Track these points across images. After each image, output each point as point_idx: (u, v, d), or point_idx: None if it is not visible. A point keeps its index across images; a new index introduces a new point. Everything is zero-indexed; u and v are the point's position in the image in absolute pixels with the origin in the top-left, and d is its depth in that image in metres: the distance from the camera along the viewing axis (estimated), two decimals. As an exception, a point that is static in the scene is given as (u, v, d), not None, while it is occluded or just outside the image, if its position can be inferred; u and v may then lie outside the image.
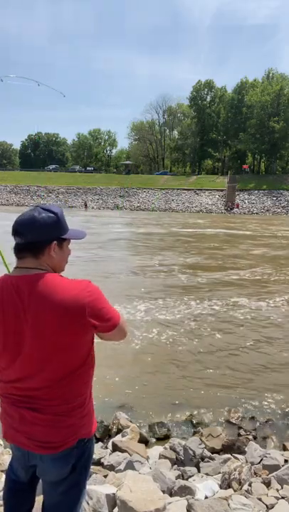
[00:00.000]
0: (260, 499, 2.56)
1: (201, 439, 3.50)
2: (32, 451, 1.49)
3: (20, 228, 1.43)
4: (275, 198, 52.39)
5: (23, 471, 1.63)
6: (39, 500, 1.72)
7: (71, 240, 1.57)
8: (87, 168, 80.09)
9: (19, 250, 1.46)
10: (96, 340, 1.53)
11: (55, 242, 1.47)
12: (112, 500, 2.37)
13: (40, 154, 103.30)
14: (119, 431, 3.69)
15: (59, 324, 1.36)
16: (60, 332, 1.37)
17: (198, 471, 3.13)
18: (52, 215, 1.46)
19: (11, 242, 1.49)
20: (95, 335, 1.51)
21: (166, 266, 12.79)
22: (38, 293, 1.37)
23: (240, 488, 2.72)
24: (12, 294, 1.40)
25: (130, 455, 3.19)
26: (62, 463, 1.50)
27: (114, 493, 2.41)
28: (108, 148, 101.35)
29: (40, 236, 1.43)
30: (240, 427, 3.93)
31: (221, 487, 2.81)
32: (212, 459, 3.27)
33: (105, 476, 2.79)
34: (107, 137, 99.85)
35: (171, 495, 2.64)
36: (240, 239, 21.73)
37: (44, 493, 1.64)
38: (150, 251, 16.51)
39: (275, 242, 20.27)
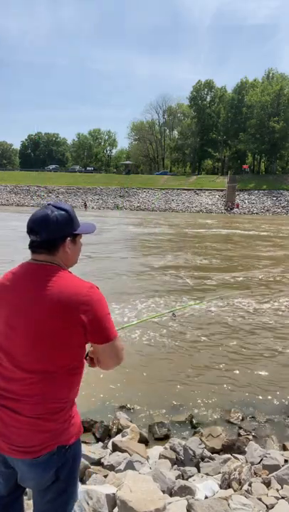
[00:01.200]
0: (260, 499, 2.56)
1: (201, 439, 3.50)
2: (10, 456, 1.46)
3: (35, 227, 1.48)
4: (275, 198, 52.39)
5: (2, 481, 1.55)
6: (30, 504, 1.69)
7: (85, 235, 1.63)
8: (87, 168, 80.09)
9: (35, 247, 1.51)
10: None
11: (69, 238, 1.52)
12: (112, 500, 2.37)
13: (40, 154, 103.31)
14: (119, 431, 3.69)
15: (50, 315, 1.39)
16: (50, 323, 1.39)
17: (198, 471, 3.13)
18: (64, 212, 1.52)
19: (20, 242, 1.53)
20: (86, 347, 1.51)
21: (193, 265, 12.89)
22: (40, 283, 1.43)
23: (240, 488, 2.72)
24: (19, 281, 1.47)
25: (130, 455, 3.19)
26: (41, 469, 1.45)
27: (114, 493, 2.40)
28: (108, 148, 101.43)
29: (54, 234, 1.49)
30: (240, 427, 3.93)
31: (221, 487, 2.81)
32: (212, 459, 3.27)
33: (105, 476, 2.79)
34: (107, 137, 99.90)
35: (171, 495, 2.64)
36: (255, 240, 21.40)
37: (33, 500, 1.60)
38: (174, 250, 16.56)
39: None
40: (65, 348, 1.42)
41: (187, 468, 3.12)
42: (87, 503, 2.29)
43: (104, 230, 23.24)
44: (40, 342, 1.40)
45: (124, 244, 18.60)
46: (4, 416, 1.44)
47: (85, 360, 1.56)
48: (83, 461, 2.82)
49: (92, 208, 51.88)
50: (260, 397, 4.54)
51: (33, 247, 1.51)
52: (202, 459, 3.25)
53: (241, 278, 11.14)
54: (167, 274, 11.34)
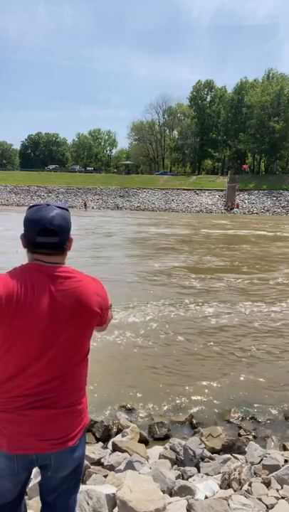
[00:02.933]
0: (260, 499, 2.56)
1: (201, 439, 3.50)
2: (44, 453, 1.48)
3: (57, 229, 1.47)
4: (275, 198, 52.36)
5: (12, 486, 1.54)
6: (37, 500, 1.71)
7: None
8: (87, 168, 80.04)
9: (52, 249, 1.49)
10: (95, 344, 1.58)
11: (72, 236, 1.59)
12: (112, 500, 2.37)
13: (40, 154, 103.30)
14: (119, 431, 3.69)
15: (75, 313, 1.46)
16: (77, 320, 1.47)
17: (198, 471, 3.13)
18: (67, 211, 1.56)
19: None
20: None
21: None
22: (63, 285, 1.47)
23: (240, 488, 2.72)
24: (37, 283, 1.45)
25: (130, 455, 3.19)
26: (79, 451, 1.58)
27: (114, 493, 2.40)
28: (108, 148, 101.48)
29: (68, 234, 1.54)
30: (240, 427, 3.93)
31: (221, 487, 2.81)
32: (212, 459, 3.27)
33: (105, 476, 2.78)
34: (107, 137, 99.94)
35: (171, 495, 2.64)
36: (276, 241, 21.12)
37: (45, 494, 1.64)
38: (201, 250, 16.51)
39: None
40: (88, 338, 1.57)
41: (187, 468, 3.12)
42: (87, 503, 2.28)
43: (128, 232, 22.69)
44: (69, 338, 1.47)
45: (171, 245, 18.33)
46: (39, 415, 1.45)
47: None
48: (83, 461, 2.81)
49: (92, 207, 51.84)
50: (260, 397, 4.54)
51: (48, 248, 1.47)
52: (202, 459, 3.25)
53: (246, 280, 11.13)
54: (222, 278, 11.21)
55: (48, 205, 1.51)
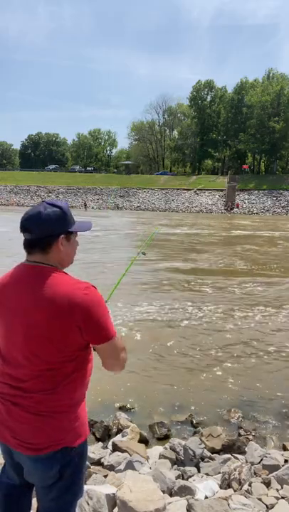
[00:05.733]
0: (260, 499, 2.56)
1: (201, 439, 3.50)
2: (15, 450, 1.50)
3: (27, 224, 1.46)
4: (275, 198, 52.34)
5: (13, 472, 1.61)
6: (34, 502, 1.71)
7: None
8: (87, 168, 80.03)
9: (29, 246, 1.49)
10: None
11: (62, 236, 1.49)
12: (112, 501, 2.37)
13: (40, 154, 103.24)
14: (119, 431, 3.69)
15: (46, 316, 1.39)
16: (47, 325, 1.39)
17: (198, 471, 3.13)
18: (57, 209, 1.48)
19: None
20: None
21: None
22: (35, 285, 1.42)
23: (240, 488, 2.72)
24: (16, 283, 1.48)
25: (130, 455, 3.19)
26: (44, 466, 1.46)
27: (114, 493, 2.40)
28: (108, 148, 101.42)
29: (47, 231, 1.46)
30: (240, 427, 3.92)
31: (221, 487, 2.81)
32: (212, 459, 3.27)
33: (105, 476, 2.78)
34: (107, 137, 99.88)
35: (171, 495, 2.64)
36: None
37: (37, 497, 1.62)
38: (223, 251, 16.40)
39: None
40: (63, 348, 1.42)
41: (187, 468, 3.11)
42: (87, 503, 2.28)
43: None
44: (39, 343, 1.41)
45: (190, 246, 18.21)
46: (13, 411, 1.46)
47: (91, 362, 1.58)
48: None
49: (92, 208, 51.82)
50: (260, 397, 4.54)
51: (26, 246, 1.50)
52: (202, 459, 3.25)
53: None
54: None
55: (43, 201, 1.52)
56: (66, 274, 1.50)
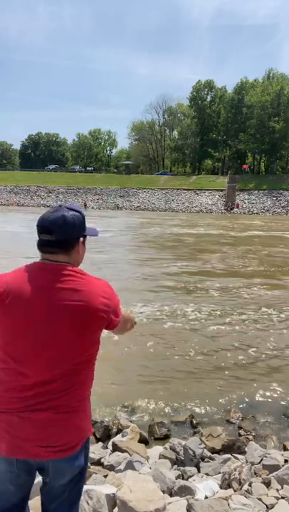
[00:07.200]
0: (260, 499, 2.56)
1: (201, 439, 3.50)
2: (43, 459, 1.46)
3: (52, 226, 1.50)
4: (275, 198, 52.36)
5: (15, 489, 1.54)
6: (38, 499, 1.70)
7: None
8: (87, 168, 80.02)
9: (50, 246, 1.52)
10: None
11: (81, 239, 1.59)
12: (112, 500, 2.37)
13: (40, 154, 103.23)
14: (119, 431, 3.69)
15: (75, 314, 1.43)
16: (76, 321, 1.44)
17: (198, 471, 3.13)
18: (78, 214, 1.58)
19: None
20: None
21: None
22: (63, 283, 1.46)
23: (240, 488, 2.72)
24: (39, 281, 1.46)
25: (130, 455, 3.19)
26: (78, 461, 1.54)
27: (114, 493, 2.40)
28: (108, 148, 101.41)
29: (72, 234, 1.54)
30: (240, 427, 3.92)
31: (221, 487, 2.81)
32: (212, 459, 3.27)
33: (105, 476, 2.78)
34: (107, 137, 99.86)
35: (171, 495, 2.64)
36: None
37: (45, 497, 1.60)
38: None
39: None
40: (91, 342, 1.51)
41: (187, 468, 3.11)
42: (87, 503, 2.28)
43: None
44: (68, 339, 1.44)
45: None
46: (38, 419, 1.43)
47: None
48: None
49: (92, 207, 51.82)
50: (260, 397, 4.54)
51: (46, 246, 1.52)
52: (202, 459, 3.25)
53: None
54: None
55: (60, 206, 1.58)
56: (85, 272, 1.57)
